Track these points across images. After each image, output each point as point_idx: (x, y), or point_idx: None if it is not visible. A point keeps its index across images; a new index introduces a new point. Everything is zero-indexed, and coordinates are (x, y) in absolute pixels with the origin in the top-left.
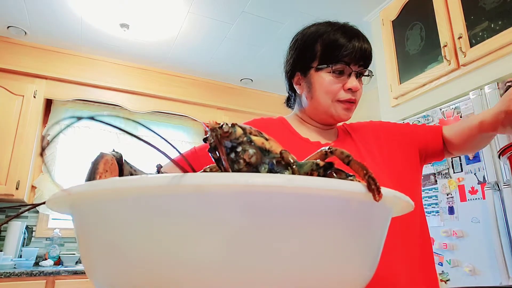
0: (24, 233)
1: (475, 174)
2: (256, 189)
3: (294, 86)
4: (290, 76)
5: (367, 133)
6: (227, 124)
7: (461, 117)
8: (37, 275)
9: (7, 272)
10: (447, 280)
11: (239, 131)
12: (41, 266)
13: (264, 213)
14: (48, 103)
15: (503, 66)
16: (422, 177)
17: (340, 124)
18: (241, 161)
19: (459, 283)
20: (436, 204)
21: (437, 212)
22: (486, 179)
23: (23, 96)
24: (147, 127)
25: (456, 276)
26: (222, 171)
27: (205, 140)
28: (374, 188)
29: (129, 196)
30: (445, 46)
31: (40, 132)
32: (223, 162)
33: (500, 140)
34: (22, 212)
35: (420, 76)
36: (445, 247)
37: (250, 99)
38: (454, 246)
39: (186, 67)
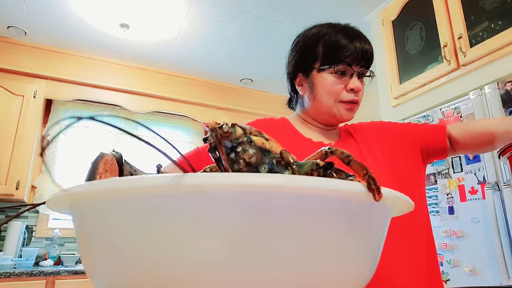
0: (24, 233)
1: (475, 174)
2: (256, 189)
3: (296, 87)
4: (292, 77)
5: (369, 134)
6: (227, 124)
7: (461, 117)
8: (37, 275)
9: (7, 272)
10: (447, 280)
11: (239, 131)
12: (41, 266)
13: (264, 213)
14: (48, 103)
15: (503, 66)
16: None
17: (341, 124)
18: (241, 161)
19: (459, 283)
20: (436, 204)
21: (437, 212)
22: (486, 179)
23: (23, 96)
24: (147, 127)
25: (456, 276)
26: (222, 171)
27: (205, 140)
28: (374, 188)
29: (129, 196)
30: (445, 46)
31: (40, 132)
32: (223, 162)
33: None
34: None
35: (420, 76)
36: (445, 247)
37: (250, 99)
38: (454, 246)
39: (186, 67)
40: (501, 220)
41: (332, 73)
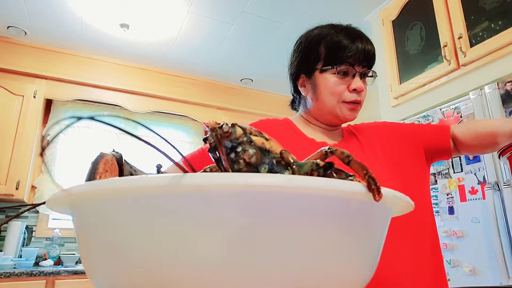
0: (24, 233)
1: (475, 174)
2: (256, 189)
3: (299, 88)
4: (294, 78)
5: (372, 134)
6: (227, 124)
7: (461, 117)
8: (37, 275)
9: (7, 272)
10: (447, 280)
11: (239, 131)
12: (41, 266)
13: (264, 213)
14: (48, 103)
15: (503, 66)
16: None
17: (345, 125)
18: (241, 161)
19: (459, 283)
20: (436, 204)
21: (437, 212)
22: (486, 179)
23: (23, 96)
24: (147, 127)
25: (456, 276)
26: (222, 171)
27: (205, 140)
28: (374, 188)
29: (129, 196)
30: (445, 46)
31: (40, 132)
32: (223, 162)
33: None
34: (22, 212)
35: (420, 76)
36: (445, 247)
37: (250, 99)
38: (454, 246)
39: (186, 67)
40: (501, 220)
41: (335, 73)
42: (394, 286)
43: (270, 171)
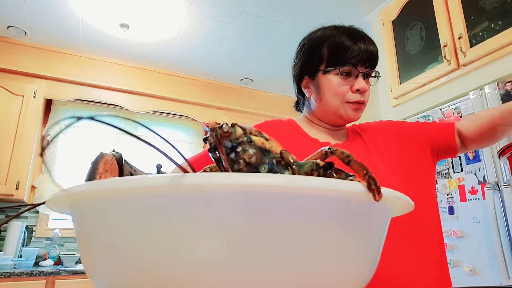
0: (24, 233)
1: (475, 174)
2: (256, 189)
3: (303, 89)
4: (298, 80)
5: (377, 134)
6: (227, 124)
7: (461, 117)
8: (37, 275)
9: (7, 272)
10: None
11: (239, 131)
12: (41, 266)
13: (264, 213)
14: (48, 103)
15: (503, 66)
16: None
17: (349, 124)
18: (241, 161)
19: (459, 283)
20: None
21: None
22: (486, 179)
23: (23, 96)
24: (147, 127)
25: (456, 276)
26: (222, 171)
27: (205, 140)
28: (374, 188)
29: (129, 196)
30: (445, 46)
31: (40, 132)
32: (223, 162)
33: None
34: (22, 212)
35: (420, 76)
36: (445, 247)
37: (250, 99)
38: (454, 246)
39: (186, 67)
40: (501, 220)
41: (338, 74)
42: (394, 286)
43: (270, 171)
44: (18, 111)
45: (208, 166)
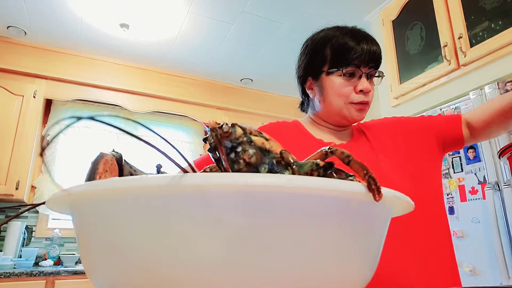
0: (24, 233)
1: (475, 174)
2: (256, 189)
3: (307, 90)
4: (302, 81)
5: (382, 131)
6: (227, 124)
7: None
8: (37, 275)
9: (7, 272)
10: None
11: (239, 131)
12: (41, 266)
13: (264, 213)
14: (48, 103)
15: (503, 66)
16: None
17: (354, 123)
18: (241, 161)
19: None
20: None
21: None
22: (487, 179)
23: (23, 96)
24: (147, 127)
25: None
26: (222, 171)
27: (205, 140)
28: (374, 188)
29: (129, 196)
30: (445, 46)
31: (40, 132)
32: (223, 162)
33: (500, 140)
34: (22, 212)
35: (420, 76)
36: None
37: (250, 99)
38: (454, 246)
39: (186, 67)
40: (501, 220)
41: (341, 75)
42: (395, 286)
43: (270, 171)
44: (18, 111)
45: (208, 166)
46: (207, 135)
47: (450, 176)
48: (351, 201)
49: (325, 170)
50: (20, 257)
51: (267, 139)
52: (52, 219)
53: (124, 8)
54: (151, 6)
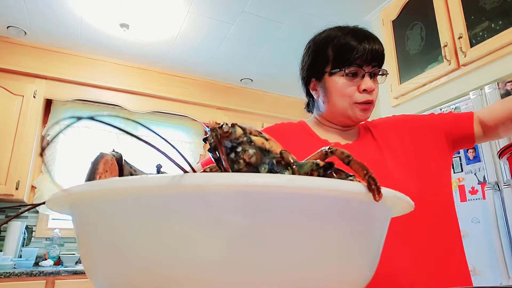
0: (24, 233)
1: (475, 174)
2: (256, 189)
3: (311, 91)
4: (306, 82)
5: (390, 130)
6: (227, 124)
7: None
8: (37, 275)
9: (7, 272)
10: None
11: (239, 131)
12: (41, 266)
13: (264, 213)
14: (48, 103)
15: (503, 66)
16: None
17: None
18: (241, 161)
19: None
20: None
21: None
22: (486, 179)
23: (23, 96)
24: (147, 127)
25: None
26: (222, 171)
27: (205, 140)
28: (374, 188)
29: (129, 196)
30: (445, 46)
31: (40, 132)
32: (223, 162)
33: (500, 140)
34: (22, 212)
35: (420, 76)
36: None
37: (250, 99)
38: None
39: (186, 67)
40: (501, 220)
41: (343, 75)
42: (395, 286)
43: (270, 171)
44: (18, 111)
45: (208, 166)
46: (207, 135)
47: None
48: (351, 201)
49: (325, 170)
50: (20, 257)
51: (267, 139)
52: (52, 219)
53: (124, 8)
54: (151, 6)
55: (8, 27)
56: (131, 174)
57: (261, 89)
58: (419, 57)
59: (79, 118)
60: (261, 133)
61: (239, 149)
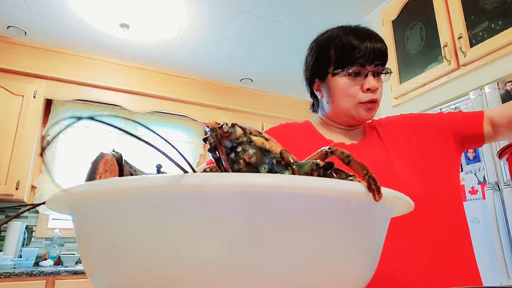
0: (24, 233)
1: (475, 174)
2: (256, 189)
3: (315, 92)
4: (309, 83)
5: (395, 128)
6: (227, 124)
7: None
8: (37, 275)
9: (7, 272)
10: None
11: (239, 131)
12: (41, 266)
13: (264, 213)
14: (48, 103)
15: (503, 66)
16: None
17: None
18: (241, 161)
19: None
20: None
21: None
22: (486, 179)
23: (23, 96)
24: (147, 127)
25: None
26: (222, 171)
27: (205, 140)
28: (374, 188)
29: (129, 196)
30: (445, 46)
31: (40, 132)
32: (223, 162)
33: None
34: (22, 212)
35: (420, 76)
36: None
37: (250, 99)
38: None
39: (186, 67)
40: (501, 220)
41: (346, 75)
42: (395, 286)
43: (270, 171)
44: (18, 111)
45: (208, 166)
46: (207, 135)
47: None
48: (351, 201)
49: (325, 170)
50: (20, 257)
51: (267, 139)
52: (52, 219)
53: (124, 8)
54: (151, 6)
55: (8, 27)
56: (131, 174)
57: (261, 89)
58: (419, 57)
59: (79, 118)
60: (261, 133)
61: (239, 149)
